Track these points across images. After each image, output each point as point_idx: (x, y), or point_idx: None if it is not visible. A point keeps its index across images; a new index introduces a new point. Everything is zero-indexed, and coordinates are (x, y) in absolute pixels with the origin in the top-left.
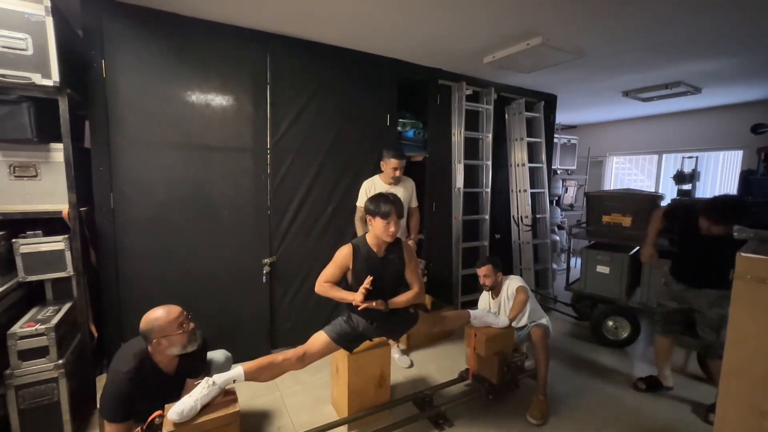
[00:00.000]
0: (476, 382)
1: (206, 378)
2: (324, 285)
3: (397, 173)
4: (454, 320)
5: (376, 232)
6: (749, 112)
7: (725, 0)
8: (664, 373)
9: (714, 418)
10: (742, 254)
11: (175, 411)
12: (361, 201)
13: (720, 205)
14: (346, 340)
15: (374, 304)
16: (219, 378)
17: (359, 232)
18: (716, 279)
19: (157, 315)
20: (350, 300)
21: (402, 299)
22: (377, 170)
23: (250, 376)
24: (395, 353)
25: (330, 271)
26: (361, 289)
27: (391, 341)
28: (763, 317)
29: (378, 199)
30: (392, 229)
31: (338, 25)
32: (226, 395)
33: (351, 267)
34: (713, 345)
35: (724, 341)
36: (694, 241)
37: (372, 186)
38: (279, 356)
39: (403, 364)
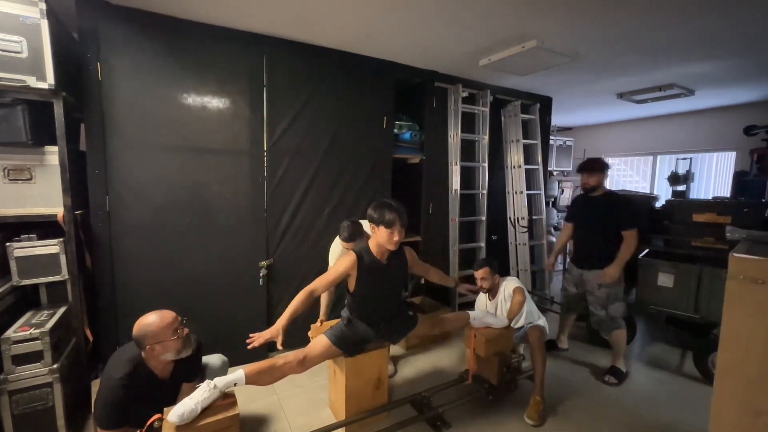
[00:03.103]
0: (476, 382)
1: (207, 381)
2: (305, 292)
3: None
4: (453, 322)
5: (379, 240)
6: (742, 113)
7: (717, 4)
8: (561, 338)
9: (609, 379)
10: (735, 255)
11: (175, 413)
12: (332, 262)
13: (589, 159)
14: (347, 344)
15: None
16: (220, 381)
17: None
18: (602, 258)
19: (151, 321)
20: (277, 326)
21: (438, 282)
22: (374, 173)
23: (251, 380)
24: None
25: (327, 280)
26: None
27: None
28: (757, 317)
29: (382, 207)
30: (396, 238)
31: (335, 28)
32: (226, 398)
33: (356, 275)
34: (603, 320)
35: (613, 315)
36: (583, 222)
37: (340, 249)
38: (279, 360)
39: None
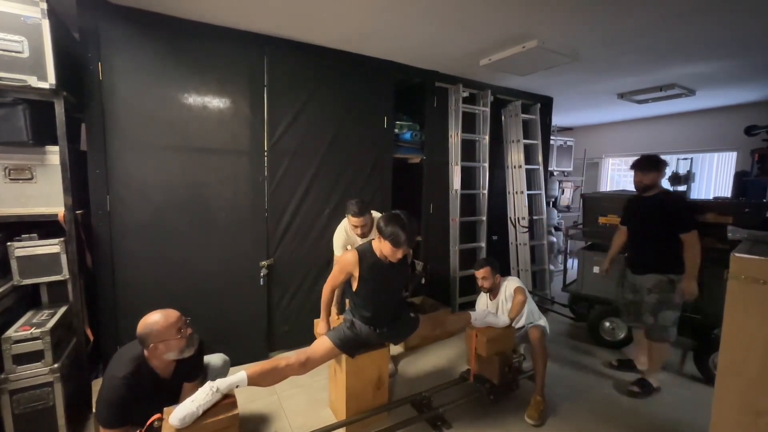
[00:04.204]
0: (477, 382)
1: (209, 383)
2: (328, 294)
3: (358, 231)
4: (455, 322)
5: (383, 250)
6: (743, 113)
7: (718, 4)
8: (640, 359)
9: (633, 387)
10: (736, 255)
11: (176, 416)
12: (337, 249)
13: (644, 156)
14: (349, 346)
15: None
16: (222, 383)
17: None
18: (656, 262)
19: (155, 319)
20: (324, 322)
21: None
22: (375, 173)
23: (253, 381)
24: None
25: (336, 276)
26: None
27: None
28: (757, 317)
29: (395, 223)
30: (399, 256)
31: (335, 28)
32: (226, 398)
33: (357, 274)
34: (652, 328)
35: (663, 324)
36: (637, 225)
37: (345, 235)
38: (282, 361)
39: None
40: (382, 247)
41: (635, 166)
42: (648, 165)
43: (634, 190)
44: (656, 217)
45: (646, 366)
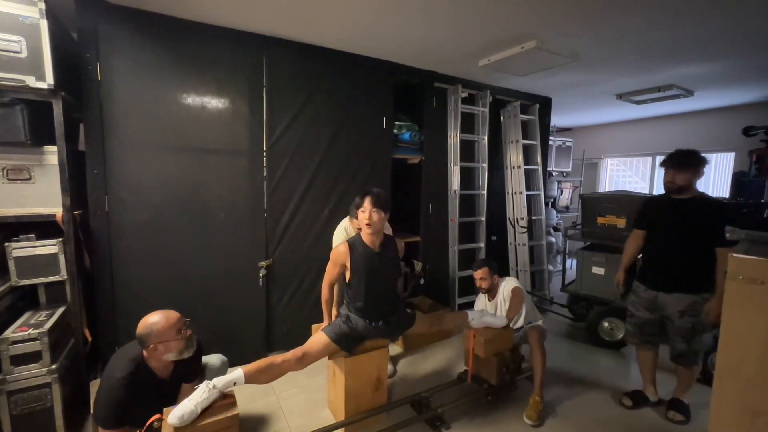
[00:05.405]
0: (475, 383)
1: (206, 381)
2: (326, 291)
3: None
4: (452, 321)
5: (359, 218)
6: (741, 114)
7: (716, 4)
8: (648, 387)
9: (674, 416)
10: (734, 255)
11: (175, 415)
12: (336, 242)
13: (679, 151)
14: (345, 341)
15: None
16: (219, 381)
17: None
18: (689, 280)
19: (156, 320)
20: (325, 318)
21: None
22: (374, 173)
23: (250, 379)
24: None
25: (330, 270)
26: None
27: None
28: (755, 317)
29: (364, 192)
30: (367, 216)
31: (334, 28)
32: (225, 398)
33: (349, 264)
34: (684, 354)
35: (697, 349)
36: (663, 231)
37: (344, 235)
38: (278, 358)
39: None
40: (359, 215)
41: (667, 163)
42: (684, 161)
43: (664, 190)
44: (691, 226)
45: (657, 397)
